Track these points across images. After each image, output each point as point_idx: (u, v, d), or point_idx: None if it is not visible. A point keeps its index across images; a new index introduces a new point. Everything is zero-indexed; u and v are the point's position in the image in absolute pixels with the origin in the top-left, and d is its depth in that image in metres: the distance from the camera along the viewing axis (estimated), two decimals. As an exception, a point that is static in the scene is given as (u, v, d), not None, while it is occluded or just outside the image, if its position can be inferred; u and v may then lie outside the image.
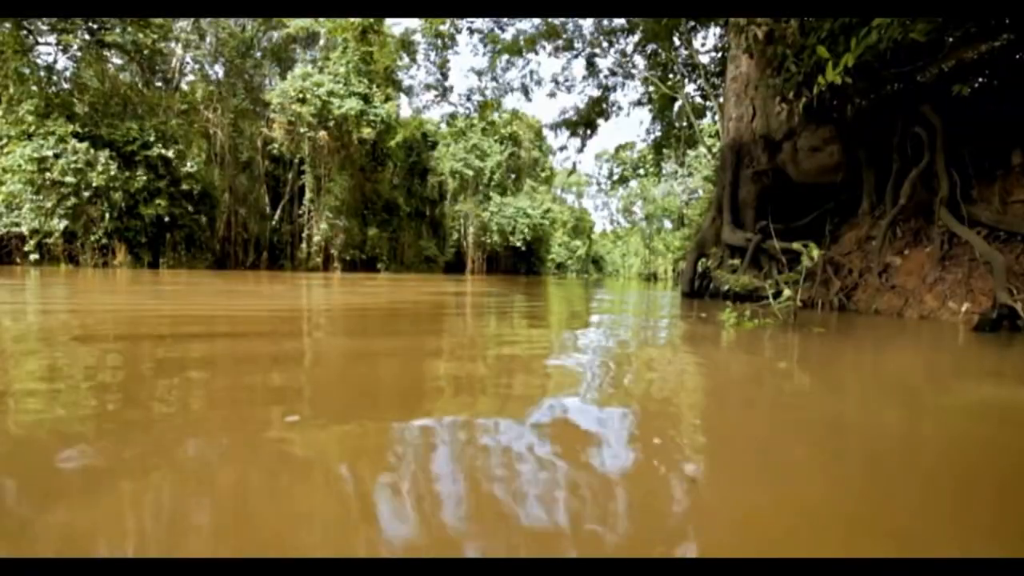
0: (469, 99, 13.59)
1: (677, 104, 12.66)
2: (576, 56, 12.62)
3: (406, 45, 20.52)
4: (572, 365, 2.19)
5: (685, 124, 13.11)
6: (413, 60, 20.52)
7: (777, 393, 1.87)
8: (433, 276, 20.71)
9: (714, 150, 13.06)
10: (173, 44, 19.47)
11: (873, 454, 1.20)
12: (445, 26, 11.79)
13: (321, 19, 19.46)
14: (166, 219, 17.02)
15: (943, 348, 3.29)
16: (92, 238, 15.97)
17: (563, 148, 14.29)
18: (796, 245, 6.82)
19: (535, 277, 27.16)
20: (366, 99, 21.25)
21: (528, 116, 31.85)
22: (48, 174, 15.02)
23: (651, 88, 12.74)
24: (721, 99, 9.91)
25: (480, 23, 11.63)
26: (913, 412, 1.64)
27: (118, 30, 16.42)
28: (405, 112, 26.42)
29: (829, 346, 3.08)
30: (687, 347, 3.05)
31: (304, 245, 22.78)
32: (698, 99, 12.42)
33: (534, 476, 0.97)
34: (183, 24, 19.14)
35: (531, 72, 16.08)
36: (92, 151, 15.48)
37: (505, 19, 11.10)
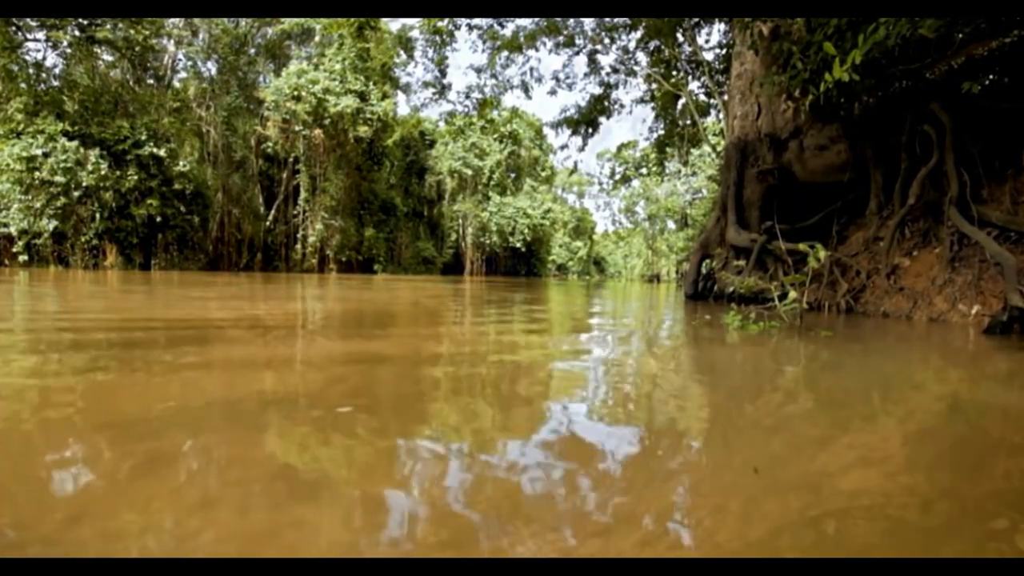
0: (468, 97, 13.41)
1: (680, 102, 12.53)
2: (577, 53, 12.46)
3: (404, 42, 20.30)
4: (578, 372, 2.03)
5: (689, 122, 12.99)
6: (411, 57, 20.29)
7: (795, 410, 1.72)
8: (432, 278, 20.55)
9: (718, 149, 12.96)
10: (165, 41, 19.16)
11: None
12: (443, 22, 11.60)
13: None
14: (158, 219, 16.74)
15: (955, 352, 3.18)
16: (82, 239, 15.68)
17: (564, 147, 14.20)
18: (802, 246, 6.69)
19: (535, 279, 27.06)
20: (362, 97, 21.00)
21: (528, 114, 31.70)
22: (37, 173, 14.72)
23: (654, 86, 12.59)
24: (725, 97, 9.80)
25: (479, 19, 11.45)
26: (934, 423, 1.50)
27: (108, 26, 16.09)
28: (403, 110, 26.21)
29: (838, 352, 2.95)
30: (692, 355, 2.91)
31: (299, 246, 22.52)
32: (702, 97, 12.29)
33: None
34: (175, 20, 18.83)
35: (531, 69, 15.92)
36: (82, 150, 15.19)
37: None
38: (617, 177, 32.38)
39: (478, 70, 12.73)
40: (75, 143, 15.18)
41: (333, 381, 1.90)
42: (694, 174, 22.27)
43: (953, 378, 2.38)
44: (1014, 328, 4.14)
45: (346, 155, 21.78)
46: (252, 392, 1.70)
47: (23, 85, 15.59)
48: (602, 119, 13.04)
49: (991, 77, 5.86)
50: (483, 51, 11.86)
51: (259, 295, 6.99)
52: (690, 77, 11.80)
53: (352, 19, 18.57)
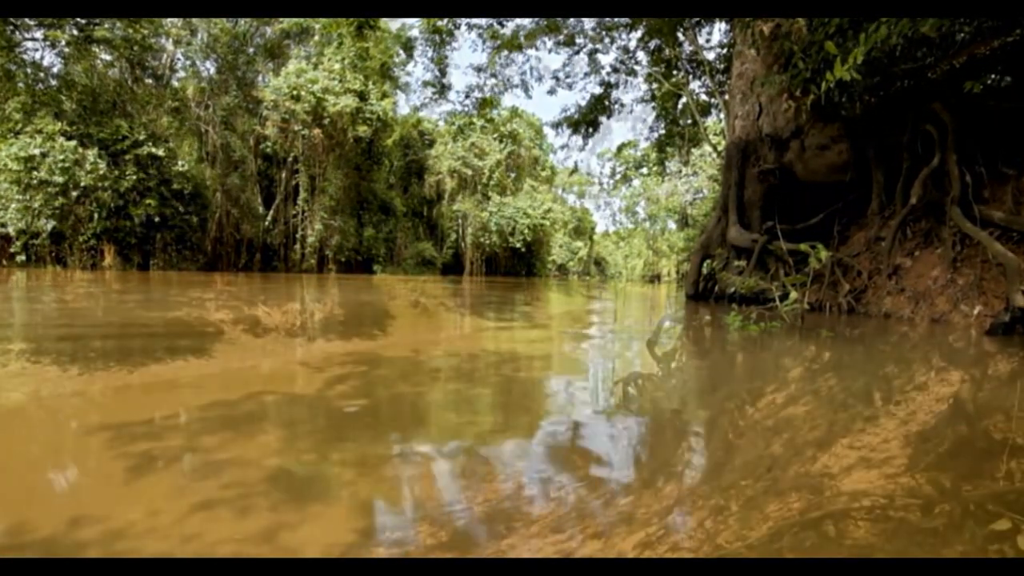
0: (468, 96, 13.39)
1: (681, 101, 12.50)
2: (577, 52, 12.44)
3: (403, 41, 20.24)
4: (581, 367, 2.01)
5: (689, 122, 12.96)
6: (410, 56, 20.26)
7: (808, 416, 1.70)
8: (432, 278, 20.54)
9: (719, 149, 12.92)
10: (164, 40, 19.11)
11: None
12: (443, 22, 11.57)
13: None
14: (156, 219, 16.69)
15: (957, 353, 3.17)
16: (80, 239, 15.64)
17: (564, 147, 14.16)
18: (803, 246, 6.67)
19: (535, 279, 27.08)
20: (362, 96, 20.95)
21: (528, 114, 31.64)
22: (36, 173, 14.69)
23: (655, 85, 12.56)
24: (727, 96, 9.76)
25: (479, 19, 11.42)
26: (936, 424, 1.48)
27: (107, 25, 16.06)
28: (403, 110, 26.12)
29: (840, 352, 2.93)
30: (693, 356, 2.89)
31: (298, 246, 22.47)
32: (703, 96, 12.27)
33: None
34: (174, 19, 18.79)
35: (531, 68, 15.88)
36: (80, 150, 15.16)
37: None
38: (617, 177, 32.28)
39: (478, 69, 12.71)
40: (73, 143, 15.15)
41: (336, 380, 1.89)
42: (695, 174, 22.19)
43: (955, 379, 2.36)
44: (1016, 329, 4.12)
45: (345, 155, 21.72)
46: (258, 391, 1.69)
47: (21, 84, 15.53)
48: (603, 119, 13.04)
49: (993, 76, 5.84)
50: (483, 50, 11.84)
51: (261, 297, 6.97)
52: (691, 76, 11.77)
53: (352, 19, 18.48)
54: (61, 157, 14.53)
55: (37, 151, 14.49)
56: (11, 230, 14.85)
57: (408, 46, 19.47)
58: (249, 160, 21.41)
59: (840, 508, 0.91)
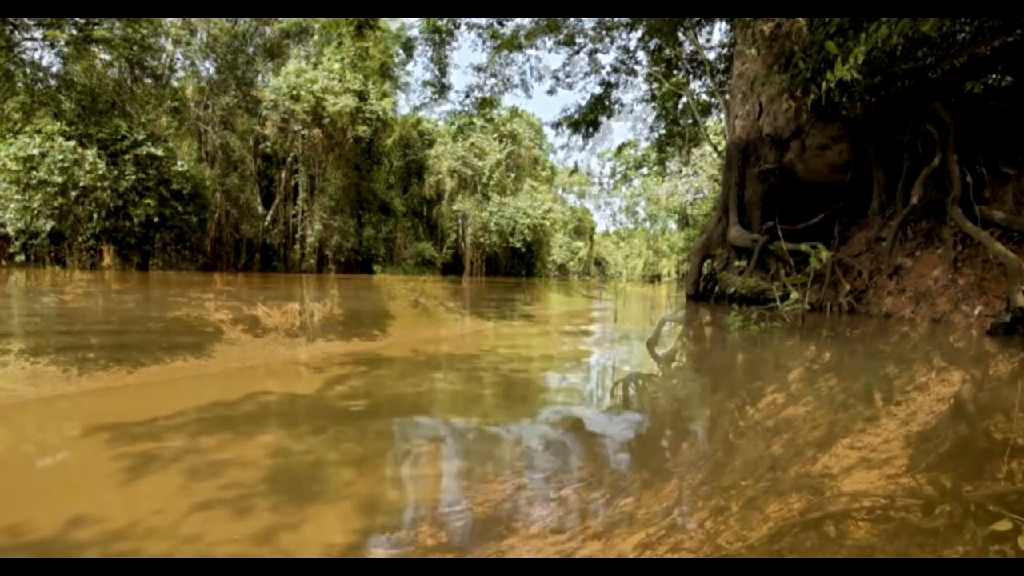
0: (468, 96, 13.40)
1: (682, 101, 12.49)
2: (577, 52, 12.43)
3: (403, 41, 20.24)
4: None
5: (690, 122, 12.94)
6: (410, 56, 20.26)
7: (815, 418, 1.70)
8: (432, 278, 20.56)
9: (720, 149, 12.91)
10: (163, 40, 19.12)
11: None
12: (443, 21, 11.56)
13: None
14: (155, 219, 16.70)
15: (958, 353, 3.17)
16: (79, 239, 15.64)
17: (565, 147, 14.25)
18: (804, 246, 6.66)
19: (536, 279, 27.09)
20: (361, 96, 20.97)
21: (528, 114, 31.65)
22: (35, 173, 14.71)
23: (655, 85, 12.55)
24: (727, 96, 9.75)
25: (479, 19, 11.41)
26: (936, 424, 1.48)
27: (106, 25, 16.07)
28: (403, 110, 26.12)
29: (840, 352, 2.93)
30: (694, 356, 2.89)
31: (297, 246, 22.47)
32: (703, 96, 12.25)
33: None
34: (174, 19, 18.79)
35: (531, 68, 15.88)
36: (79, 149, 15.18)
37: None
38: (617, 177, 32.24)
39: (478, 69, 12.70)
40: (72, 143, 15.16)
41: (336, 381, 1.88)
42: (695, 174, 22.17)
43: (956, 379, 2.36)
44: (1017, 329, 4.11)
45: (345, 155, 21.74)
46: (258, 391, 1.69)
47: (20, 84, 15.53)
48: (603, 118, 13.04)
49: (994, 76, 5.83)
50: (483, 50, 11.83)
51: (261, 297, 6.96)
52: (691, 76, 11.76)
53: (352, 19, 18.46)
54: (60, 157, 14.51)
55: (36, 151, 14.48)
56: (10, 230, 14.85)
57: (408, 46, 19.50)
58: (248, 160, 21.40)
59: (840, 508, 0.91)
